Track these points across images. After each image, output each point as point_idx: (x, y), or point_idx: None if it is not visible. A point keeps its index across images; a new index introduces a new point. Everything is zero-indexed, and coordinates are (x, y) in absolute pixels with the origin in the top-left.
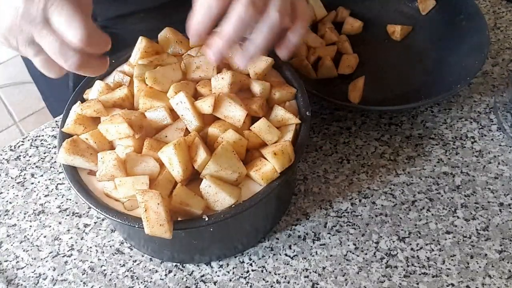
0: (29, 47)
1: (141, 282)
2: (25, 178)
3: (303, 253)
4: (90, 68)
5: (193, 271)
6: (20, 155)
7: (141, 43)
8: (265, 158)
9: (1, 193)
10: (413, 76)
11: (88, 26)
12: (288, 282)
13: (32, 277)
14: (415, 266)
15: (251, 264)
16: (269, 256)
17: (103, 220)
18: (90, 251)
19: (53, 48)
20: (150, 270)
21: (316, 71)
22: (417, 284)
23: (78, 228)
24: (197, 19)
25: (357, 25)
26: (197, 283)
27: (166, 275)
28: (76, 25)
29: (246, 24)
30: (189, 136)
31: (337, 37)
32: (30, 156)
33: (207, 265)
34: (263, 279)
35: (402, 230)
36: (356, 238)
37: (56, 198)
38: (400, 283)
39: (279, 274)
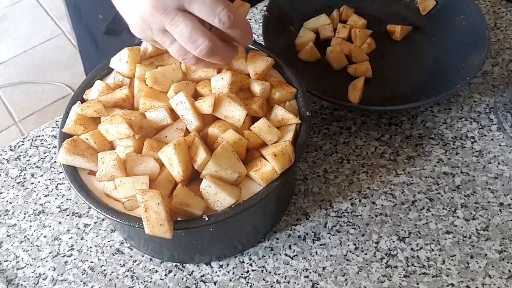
0: (165, 36)
1: (141, 282)
2: (25, 178)
3: (303, 253)
4: (221, 54)
5: (193, 271)
6: (20, 155)
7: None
8: (265, 159)
9: (1, 193)
10: (413, 76)
11: (232, 7)
12: (288, 282)
13: (32, 277)
14: (415, 266)
15: (251, 264)
16: (269, 256)
17: (103, 220)
18: (90, 251)
19: (183, 35)
20: (150, 270)
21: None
22: (417, 284)
23: (78, 228)
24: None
25: (361, 23)
26: (197, 283)
27: (166, 275)
28: (221, 6)
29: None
30: (189, 136)
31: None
32: (30, 156)
33: (207, 265)
34: (263, 279)
35: (402, 230)
36: (356, 238)
37: (56, 198)
38: (400, 283)
39: (279, 274)
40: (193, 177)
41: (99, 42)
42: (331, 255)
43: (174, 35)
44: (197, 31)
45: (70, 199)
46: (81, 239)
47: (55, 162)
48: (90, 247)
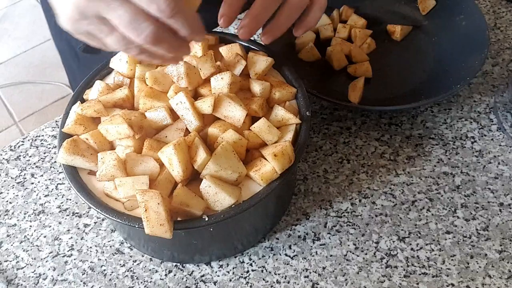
0: (102, 23)
1: (141, 282)
2: (25, 178)
3: (303, 253)
4: (168, 43)
5: (193, 271)
6: (20, 155)
7: None
8: (265, 159)
9: (1, 193)
10: (413, 76)
11: None
12: (288, 282)
13: (32, 277)
14: (415, 266)
15: (251, 264)
16: (269, 256)
17: (103, 220)
18: (90, 251)
19: (124, 20)
20: (150, 270)
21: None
22: (417, 284)
23: (78, 228)
24: (227, 3)
25: (361, 23)
26: (197, 283)
27: (166, 275)
28: None
29: (272, 5)
30: (189, 136)
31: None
32: (30, 156)
33: (207, 265)
34: (263, 279)
35: (402, 230)
36: (356, 238)
37: (56, 198)
38: (400, 283)
39: (279, 274)
40: (193, 177)
41: (80, 57)
42: (331, 255)
43: (113, 21)
44: (139, 15)
45: (70, 199)
46: (81, 239)
47: (55, 162)
48: (90, 247)
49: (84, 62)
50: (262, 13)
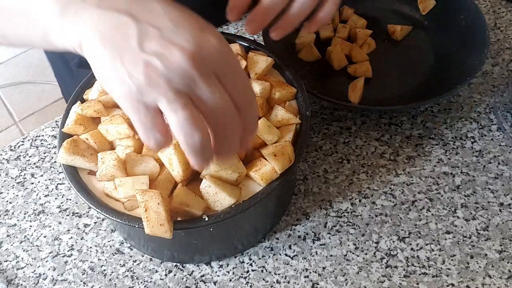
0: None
1: (141, 282)
2: (25, 178)
3: (303, 253)
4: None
5: (193, 271)
6: (20, 155)
7: None
8: (265, 159)
9: (1, 193)
10: (413, 76)
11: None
12: (288, 282)
13: (32, 277)
14: (415, 266)
15: (251, 264)
16: (269, 256)
17: (103, 220)
18: (90, 251)
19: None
20: (150, 270)
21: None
22: (417, 284)
23: (78, 228)
24: None
25: (361, 23)
26: (197, 283)
27: (166, 275)
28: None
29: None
30: None
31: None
32: (30, 156)
33: (207, 265)
34: (263, 279)
35: (402, 230)
36: (356, 238)
37: (56, 198)
38: (400, 283)
39: (279, 274)
40: (193, 177)
41: (74, 71)
42: (331, 255)
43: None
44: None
45: (70, 199)
46: (81, 239)
47: (55, 162)
48: (90, 247)
49: (78, 76)
50: (272, 6)
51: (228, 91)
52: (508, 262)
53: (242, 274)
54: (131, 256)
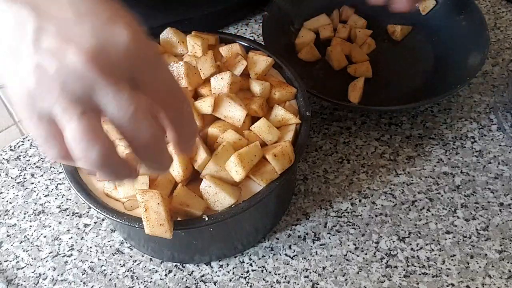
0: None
1: (141, 282)
2: (25, 178)
3: (303, 253)
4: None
5: (193, 271)
6: (20, 155)
7: None
8: (265, 159)
9: (1, 193)
10: (413, 76)
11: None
12: (288, 282)
13: (32, 277)
14: (415, 266)
15: (251, 264)
16: (269, 256)
17: (103, 220)
18: (90, 251)
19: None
20: (150, 270)
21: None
22: (417, 284)
23: (78, 228)
24: None
25: (361, 23)
26: (197, 283)
27: (166, 275)
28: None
29: None
30: None
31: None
32: (30, 156)
33: (207, 265)
34: (263, 279)
35: (402, 230)
36: (356, 238)
37: (56, 198)
38: (400, 283)
39: (279, 274)
40: (193, 177)
41: None
42: (331, 255)
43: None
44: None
45: (70, 199)
46: (81, 239)
47: (55, 162)
48: (90, 247)
49: None
50: None
51: (149, 94)
52: (508, 262)
53: (242, 274)
54: (131, 256)
